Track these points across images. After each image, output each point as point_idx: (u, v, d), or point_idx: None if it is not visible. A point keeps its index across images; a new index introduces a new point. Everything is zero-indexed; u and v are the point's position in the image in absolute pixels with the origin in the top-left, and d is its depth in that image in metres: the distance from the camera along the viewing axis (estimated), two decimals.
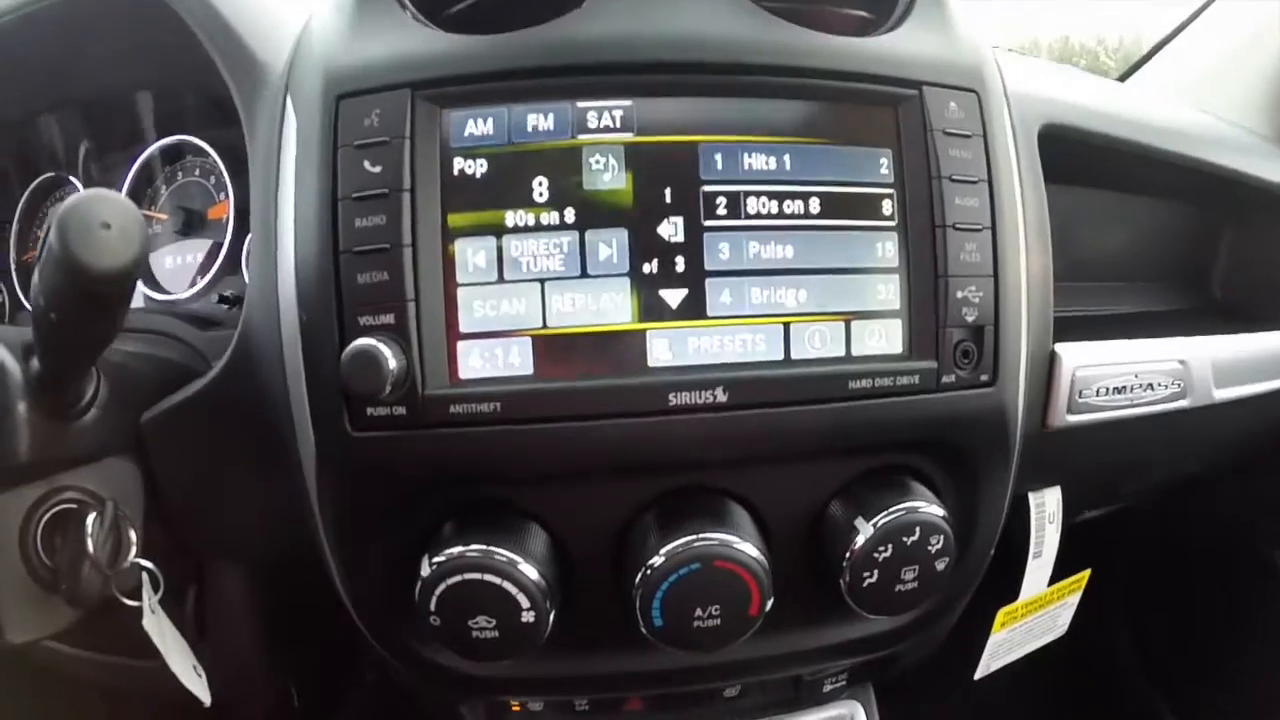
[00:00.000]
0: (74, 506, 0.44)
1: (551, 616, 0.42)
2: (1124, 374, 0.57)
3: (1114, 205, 0.69)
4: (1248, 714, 0.89)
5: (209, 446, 0.48)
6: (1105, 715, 1.02)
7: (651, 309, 0.41)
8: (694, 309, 0.42)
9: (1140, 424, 0.59)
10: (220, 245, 0.62)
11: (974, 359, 0.44)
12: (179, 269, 0.64)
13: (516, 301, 0.41)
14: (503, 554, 0.41)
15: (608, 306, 0.41)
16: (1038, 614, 0.64)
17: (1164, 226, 0.72)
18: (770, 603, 0.43)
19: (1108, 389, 0.57)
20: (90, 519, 0.43)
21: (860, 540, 0.43)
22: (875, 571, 0.44)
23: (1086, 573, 0.66)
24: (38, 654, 0.60)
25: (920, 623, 0.52)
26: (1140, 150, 0.61)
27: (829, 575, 0.45)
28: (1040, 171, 0.53)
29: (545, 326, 0.41)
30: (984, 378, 0.45)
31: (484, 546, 0.41)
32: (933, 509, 0.44)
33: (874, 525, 0.43)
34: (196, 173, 0.65)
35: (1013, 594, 0.62)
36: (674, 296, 0.42)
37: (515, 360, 0.41)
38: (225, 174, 0.63)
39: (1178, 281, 0.74)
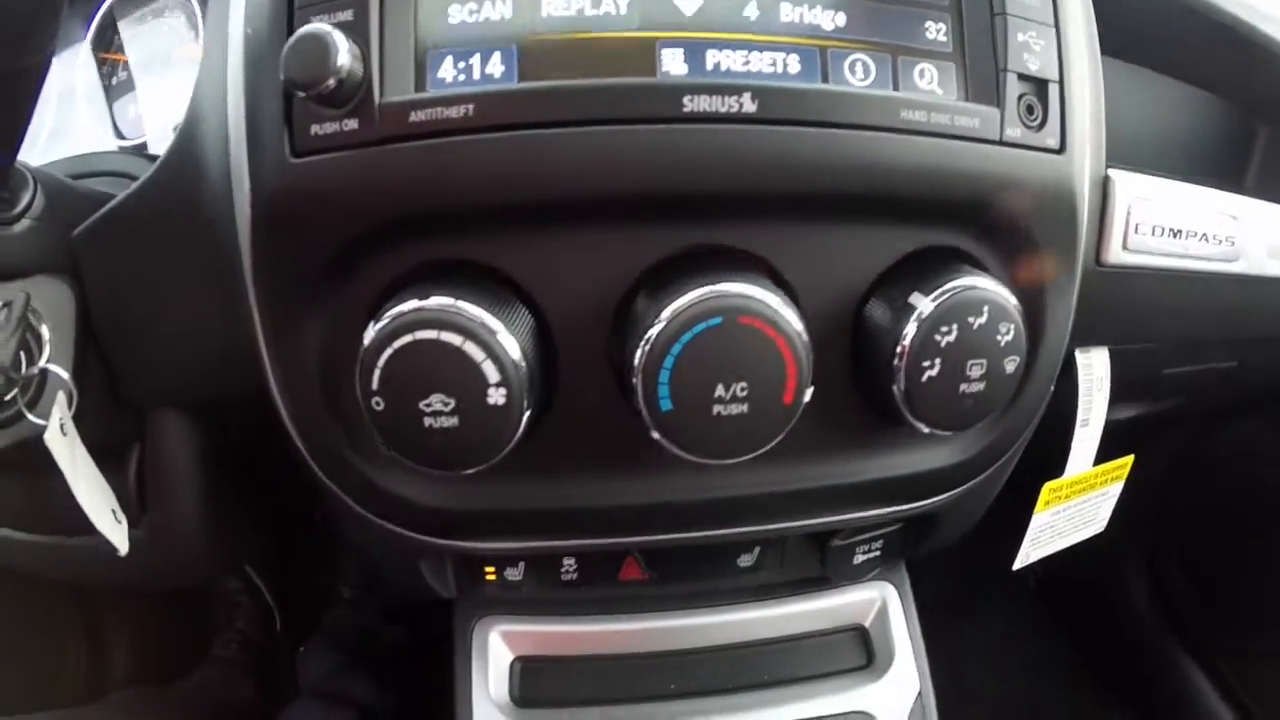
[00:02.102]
0: None
1: (526, 415, 0.31)
2: (1179, 214, 0.48)
3: (1148, 91, 0.60)
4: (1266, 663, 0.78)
5: (145, 257, 0.38)
6: (1120, 658, 0.89)
7: (662, 16, 0.31)
8: (713, 20, 0.31)
9: (1190, 286, 0.49)
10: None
11: (1039, 116, 0.34)
12: (143, 116, 0.54)
13: (501, 3, 0.31)
14: (473, 311, 0.29)
15: (609, 10, 0.31)
16: (1081, 498, 0.53)
17: (1197, 124, 0.62)
18: (809, 393, 0.32)
19: (1163, 229, 0.47)
20: None
21: (917, 323, 0.32)
22: (937, 362, 0.33)
23: (1130, 458, 0.54)
24: None
25: (977, 461, 0.40)
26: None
27: (878, 378, 0.34)
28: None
29: (534, 33, 0.31)
30: (1051, 142, 0.35)
31: (448, 300, 0.30)
32: (1002, 289, 0.33)
33: (934, 301, 0.32)
34: (166, 13, 0.55)
35: (1058, 471, 0.50)
36: (689, 4, 0.31)
37: (496, 71, 0.30)
38: (199, 10, 0.53)
39: (1206, 180, 0.65)
